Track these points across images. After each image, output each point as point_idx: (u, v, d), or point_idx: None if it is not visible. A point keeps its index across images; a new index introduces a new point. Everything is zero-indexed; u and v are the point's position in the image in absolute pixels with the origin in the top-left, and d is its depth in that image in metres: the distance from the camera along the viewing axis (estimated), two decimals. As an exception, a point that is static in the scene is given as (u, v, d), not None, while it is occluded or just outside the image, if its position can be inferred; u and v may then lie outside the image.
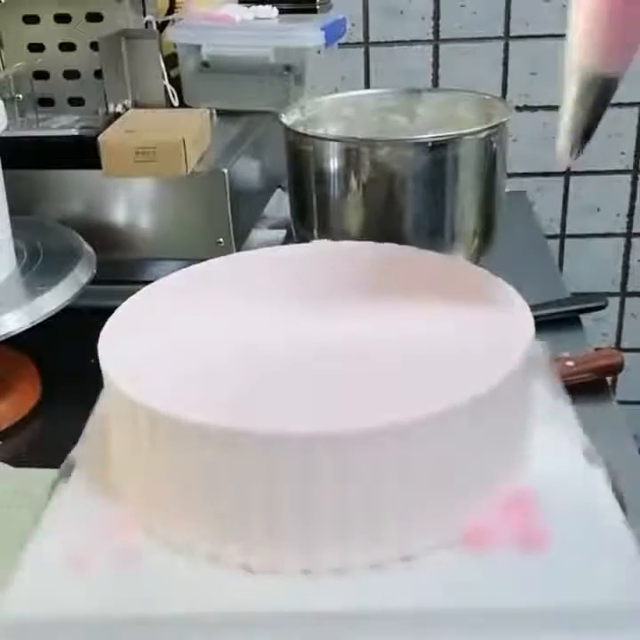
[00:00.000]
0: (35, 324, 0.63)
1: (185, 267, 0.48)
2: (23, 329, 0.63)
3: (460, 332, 0.40)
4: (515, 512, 0.37)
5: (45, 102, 0.90)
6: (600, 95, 0.37)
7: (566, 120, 0.38)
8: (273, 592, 0.35)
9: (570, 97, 0.37)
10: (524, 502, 0.38)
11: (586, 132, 0.38)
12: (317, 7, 1.00)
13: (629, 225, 1.31)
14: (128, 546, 0.37)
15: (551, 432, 0.43)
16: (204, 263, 0.49)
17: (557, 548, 0.36)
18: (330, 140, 0.73)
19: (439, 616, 0.34)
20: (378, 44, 1.22)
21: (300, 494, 0.35)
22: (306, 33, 0.87)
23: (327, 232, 0.75)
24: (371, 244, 0.51)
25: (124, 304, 0.44)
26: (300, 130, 0.75)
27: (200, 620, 0.34)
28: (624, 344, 1.37)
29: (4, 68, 0.88)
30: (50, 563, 0.37)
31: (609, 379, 0.72)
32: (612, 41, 0.36)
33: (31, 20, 0.88)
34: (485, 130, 0.71)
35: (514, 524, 0.37)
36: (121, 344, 0.41)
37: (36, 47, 0.89)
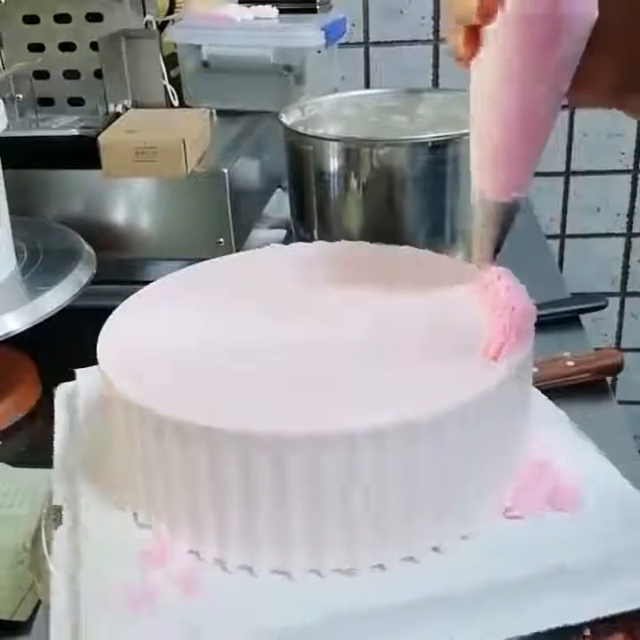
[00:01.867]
0: (35, 323, 0.63)
1: (185, 267, 0.48)
2: (23, 329, 0.63)
3: (459, 331, 0.40)
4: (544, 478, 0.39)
5: (45, 102, 0.90)
6: (501, 218, 0.40)
7: (476, 238, 0.42)
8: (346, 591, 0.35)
9: (477, 218, 0.41)
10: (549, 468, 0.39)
11: (496, 248, 0.41)
12: (317, 7, 1.00)
13: (629, 225, 1.31)
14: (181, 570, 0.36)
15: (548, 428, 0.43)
16: (203, 263, 0.49)
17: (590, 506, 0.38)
18: (330, 139, 0.73)
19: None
20: (378, 44, 1.22)
21: (307, 496, 0.35)
22: (306, 33, 0.87)
23: (327, 232, 0.75)
24: (369, 244, 0.51)
25: (124, 304, 0.44)
26: (300, 130, 0.75)
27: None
28: (624, 344, 1.37)
29: (4, 67, 0.88)
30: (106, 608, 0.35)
31: (609, 379, 0.72)
32: (500, 175, 0.40)
33: (31, 19, 0.88)
34: (485, 130, 0.71)
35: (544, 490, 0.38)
36: (120, 345, 0.41)
37: (36, 47, 0.89)
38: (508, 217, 0.40)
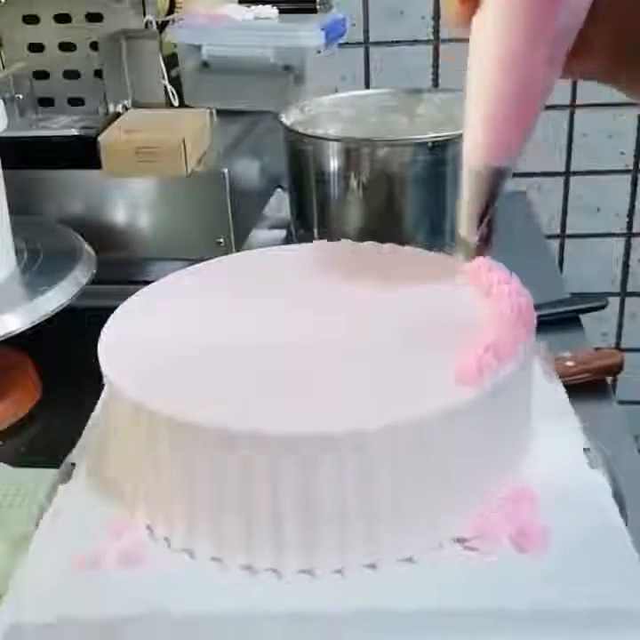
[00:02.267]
0: (35, 323, 0.63)
1: (185, 267, 0.49)
2: (23, 329, 0.63)
3: (458, 331, 0.40)
4: (513, 512, 0.37)
5: (45, 102, 0.90)
6: (490, 184, 0.40)
7: (463, 207, 0.41)
8: (274, 592, 0.35)
9: (465, 186, 0.40)
10: (523, 502, 0.38)
11: (481, 217, 0.41)
12: (317, 7, 1.00)
13: (629, 225, 1.31)
14: (132, 546, 0.37)
15: (551, 431, 0.43)
16: (203, 263, 0.49)
17: (556, 549, 0.36)
18: (330, 140, 0.73)
19: (436, 615, 0.34)
20: (378, 44, 1.22)
21: (301, 496, 0.35)
22: (306, 33, 0.87)
23: (327, 232, 0.75)
24: (370, 243, 0.51)
25: (124, 304, 0.44)
26: (300, 130, 0.75)
27: (202, 619, 0.34)
28: (624, 344, 1.37)
29: (4, 67, 0.88)
30: (54, 565, 0.37)
31: (609, 379, 0.72)
32: (494, 138, 0.39)
33: (31, 19, 0.88)
34: (485, 130, 0.71)
35: (512, 525, 0.37)
36: (121, 345, 0.41)
37: (36, 47, 0.89)
38: (496, 183, 0.40)
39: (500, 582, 0.35)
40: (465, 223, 0.41)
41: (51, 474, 0.43)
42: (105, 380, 0.40)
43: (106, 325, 0.42)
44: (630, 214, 1.30)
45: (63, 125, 0.84)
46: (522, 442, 0.41)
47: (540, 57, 0.37)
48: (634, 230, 1.31)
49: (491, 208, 0.41)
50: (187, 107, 0.89)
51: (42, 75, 0.89)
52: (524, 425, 0.41)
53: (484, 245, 0.43)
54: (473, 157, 0.40)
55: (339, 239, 0.52)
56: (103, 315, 0.43)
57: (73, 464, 0.43)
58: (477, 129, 0.39)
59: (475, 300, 0.43)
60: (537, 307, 0.41)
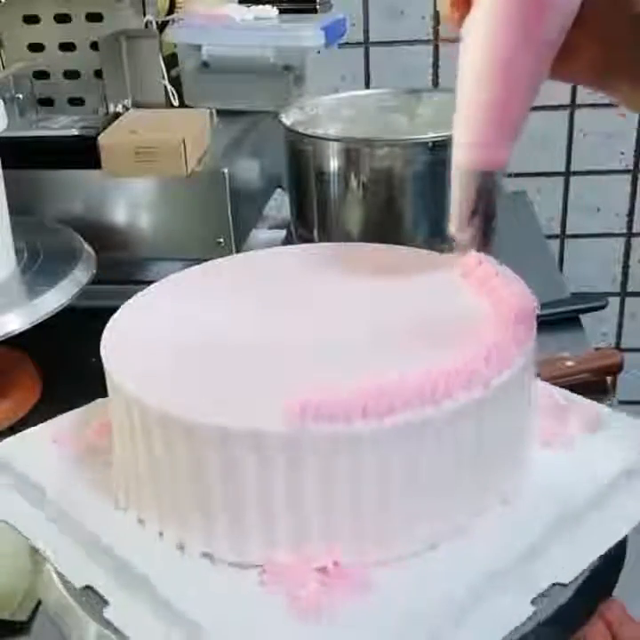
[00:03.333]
0: (35, 323, 0.63)
1: (185, 267, 0.48)
2: (23, 329, 0.63)
3: (457, 330, 0.40)
4: None
5: (45, 102, 0.90)
6: (479, 188, 0.41)
7: (454, 207, 0.43)
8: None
9: (454, 184, 0.42)
10: None
11: (470, 219, 0.42)
12: (317, 7, 1.00)
13: (629, 225, 1.31)
14: None
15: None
16: (207, 263, 0.49)
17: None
18: (330, 140, 0.73)
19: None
20: (378, 44, 1.22)
21: (290, 490, 0.35)
22: (306, 33, 0.87)
23: (327, 232, 0.75)
24: (369, 245, 0.51)
25: (127, 302, 0.44)
26: (300, 130, 0.75)
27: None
28: (624, 344, 1.37)
29: (4, 67, 0.88)
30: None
31: (609, 379, 0.72)
32: (479, 140, 0.40)
33: (31, 19, 0.88)
34: (485, 130, 0.71)
35: None
36: (123, 343, 0.41)
37: (36, 47, 0.89)
38: (484, 182, 0.41)
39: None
40: (455, 221, 0.43)
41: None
42: (107, 378, 0.40)
43: (109, 323, 0.42)
44: (630, 214, 1.30)
45: (63, 125, 0.84)
46: (522, 442, 0.41)
47: (526, 61, 0.37)
48: (634, 230, 1.31)
49: (479, 206, 0.41)
50: (187, 107, 0.89)
51: (42, 75, 0.89)
52: (524, 428, 0.41)
53: (483, 244, 0.43)
54: (460, 157, 0.41)
55: (338, 239, 0.52)
56: (103, 315, 0.43)
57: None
58: (464, 130, 0.41)
59: (476, 301, 0.43)
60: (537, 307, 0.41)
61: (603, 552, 0.36)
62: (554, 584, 0.35)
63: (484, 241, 0.43)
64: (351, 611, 0.34)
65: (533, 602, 0.34)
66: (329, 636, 0.33)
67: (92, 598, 0.36)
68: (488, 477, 0.38)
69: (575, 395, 0.45)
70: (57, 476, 0.42)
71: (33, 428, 0.46)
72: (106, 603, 0.35)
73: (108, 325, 0.42)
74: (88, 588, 0.36)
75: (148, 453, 0.37)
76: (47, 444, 0.44)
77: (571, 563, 0.36)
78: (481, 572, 0.35)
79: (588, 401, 0.45)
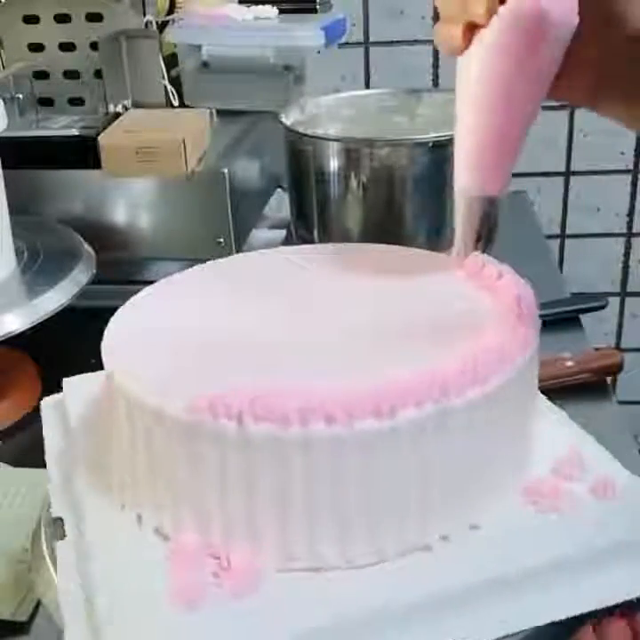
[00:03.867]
0: (35, 323, 0.63)
1: (185, 267, 0.48)
2: (23, 329, 0.63)
3: (460, 331, 0.40)
4: None
5: (45, 102, 0.90)
6: (482, 213, 0.43)
7: (458, 231, 0.44)
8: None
9: (458, 212, 0.44)
10: None
11: (476, 240, 0.44)
12: (317, 7, 1.00)
13: (629, 225, 1.31)
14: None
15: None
16: (207, 263, 0.49)
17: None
18: (330, 140, 0.73)
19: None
20: (378, 44, 1.22)
21: (276, 490, 0.35)
22: (306, 33, 0.87)
23: (327, 232, 0.75)
24: (369, 245, 0.51)
25: (128, 302, 0.44)
26: (300, 130, 0.75)
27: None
28: (624, 344, 1.37)
29: (4, 67, 0.88)
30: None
31: (609, 379, 0.72)
32: (480, 169, 0.42)
33: (31, 19, 0.88)
34: (485, 130, 0.71)
35: None
36: (124, 343, 0.41)
37: (36, 47, 0.89)
38: (487, 210, 0.43)
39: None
40: (459, 245, 0.44)
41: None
42: (107, 377, 0.40)
43: (110, 323, 0.42)
44: (630, 214, 1.30)
45: (63, 125, 0.85)
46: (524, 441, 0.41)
47: (524, 90, 0.39)
48: (634, 230, 1.31)
49: (483, 231, 0.42)
50: (187, 107, 0.89)
51: (42, 75, 0.89)
52: (526, 427, 0.41)
53: (486, 242, 0.44)
54: (462, 184, 0.43)
55: (339, 239, 0.52)
56: (103, 315, 0.43)
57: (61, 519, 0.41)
58: (465, 158, 0.42)
59: (478, 301, 0.43)
60: (537, 307, 0.41)
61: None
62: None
63: (488, 238, 0.43)
64: (227, 607, 0.34)
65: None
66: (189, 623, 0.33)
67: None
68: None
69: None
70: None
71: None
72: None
73: (108, 326, 0.42)
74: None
75: (154, 454, 0.37)
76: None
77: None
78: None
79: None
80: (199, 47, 0.88)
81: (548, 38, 0.37)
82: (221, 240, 0.78)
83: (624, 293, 1.35)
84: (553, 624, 0.34)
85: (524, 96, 0.39)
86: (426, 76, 1.23)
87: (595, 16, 0.37)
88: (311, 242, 0.77)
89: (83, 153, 0.77)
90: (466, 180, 0.42)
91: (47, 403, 0.49)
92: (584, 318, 0.81)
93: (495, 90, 0.39)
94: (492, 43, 0.38)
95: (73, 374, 0.49)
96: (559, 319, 0.78)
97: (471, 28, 0.39)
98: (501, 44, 0.38)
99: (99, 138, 0.75)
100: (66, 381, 0.48)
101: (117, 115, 0.83)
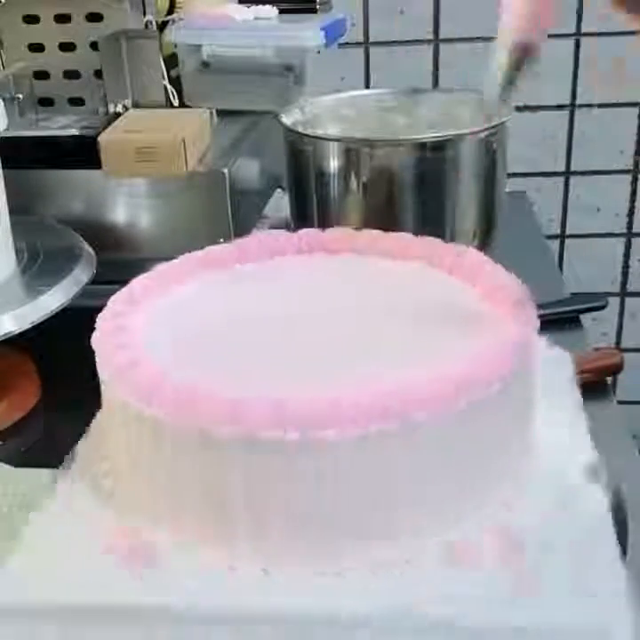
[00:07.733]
0: (35, 323, 0.63)
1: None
2: (23, 329, 0.63)
3: (460, 331, 0.40)
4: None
5: (45, 102, 0.90)
6: (520, 55, 0.45)
7: (497, 74, 0.45)
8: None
9: (501, 57, 0.45)
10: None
11: (510, 85, 0.45)
12: (317, 7, 1.00)
13: (629, 225, 1.31)
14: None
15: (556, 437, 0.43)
16: (198, 253, 0.49)
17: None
18: (330, 140, 0.73)
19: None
20: (378, 44, 1.22)
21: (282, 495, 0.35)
22: (306, 33, 0.87)
23: (327, 232, 0.75)
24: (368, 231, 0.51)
25: (112, 298, 0.44)
26: (300, 130, 0.75)
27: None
28: (624, 344, 1.37)
29: (4, 67, 0.88)
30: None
31: (609, 379, 0.72)
32: (524, 13, 0.44)
33: (31, 19, 0.88)
34: (485, 130, 0.71)
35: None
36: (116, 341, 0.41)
37: (36, 47, 0.89)
38: (525, 56, 0.44)
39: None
40: (496, 89, 0.45)
41: (50, 474, 0.43)
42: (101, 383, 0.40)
43: (98, 325, 0.42)
44: (630, 214, 1.30)
45: (63, 125, 0.84)
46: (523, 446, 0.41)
47: None
48: (634, 230, 1.31)
49: (516, 79, 0.45)
50: (187, 107, 0.89)
51: (42, 75, 0.89)
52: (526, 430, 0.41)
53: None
54: (503, 35, 0.45)
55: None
56: (103, 315, 0.43)
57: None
58: (507, 13, 0.45)
59: (477, 302, 0.43)
60: (537, 307, 0.41)
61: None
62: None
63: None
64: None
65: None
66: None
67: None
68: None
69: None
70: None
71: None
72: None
73: (95, 331, 0.42)
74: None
75: (149, 460, 0.37)
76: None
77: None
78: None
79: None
80: (199, 47, 0.88)
81: None
82: (221, 240, 0.78)
83: (624, 293, 1.35)
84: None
85: None
86: (426, 75, 1.23)
87: None
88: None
89: (83, 153, 0.77)
90: (505, 23, 0.45)
91: None
92: (584, 318, 0.81)
93: None
94: None
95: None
96: (559, 319, 0.78)
97: None
98: None
99: (99, 138, 0.75)
100: None
101: (117, 115, 0.83)
